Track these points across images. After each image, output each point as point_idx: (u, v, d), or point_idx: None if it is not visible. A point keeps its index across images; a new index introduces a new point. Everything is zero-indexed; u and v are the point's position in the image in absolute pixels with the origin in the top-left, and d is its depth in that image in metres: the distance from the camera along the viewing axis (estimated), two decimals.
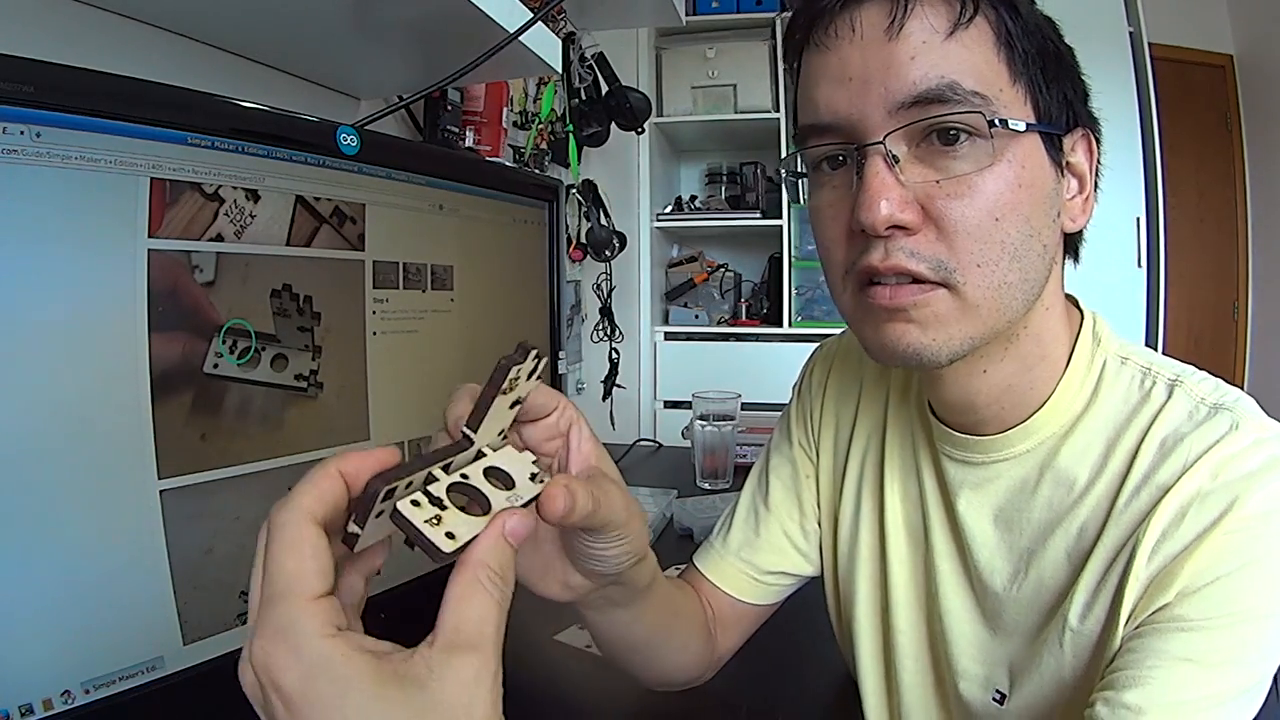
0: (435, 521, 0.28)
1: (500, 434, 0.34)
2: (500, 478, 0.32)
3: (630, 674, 0.55)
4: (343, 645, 0.25)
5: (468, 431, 0.32)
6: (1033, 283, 0.43)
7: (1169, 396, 0.45)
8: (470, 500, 0.30)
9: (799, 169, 0.48)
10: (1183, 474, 0.41)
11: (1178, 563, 0.39)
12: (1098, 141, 0.47)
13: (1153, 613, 0.40)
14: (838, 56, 0.42)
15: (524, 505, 0.31)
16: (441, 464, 0.30)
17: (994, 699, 0.49)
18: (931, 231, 0.41)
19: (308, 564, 0.26)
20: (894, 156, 0.41)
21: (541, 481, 0.33)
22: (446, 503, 0.29)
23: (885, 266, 0.41)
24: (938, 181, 0.41)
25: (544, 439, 0.39)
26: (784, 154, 2.09)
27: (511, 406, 0.34)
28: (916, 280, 0.41)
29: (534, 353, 0.32)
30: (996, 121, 0.40)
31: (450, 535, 0.28)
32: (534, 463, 0.34)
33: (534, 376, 0.34)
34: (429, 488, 0.29)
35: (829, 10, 0.43)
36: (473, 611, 0.27)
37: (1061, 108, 0.44)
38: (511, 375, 0.31)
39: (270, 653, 0.24)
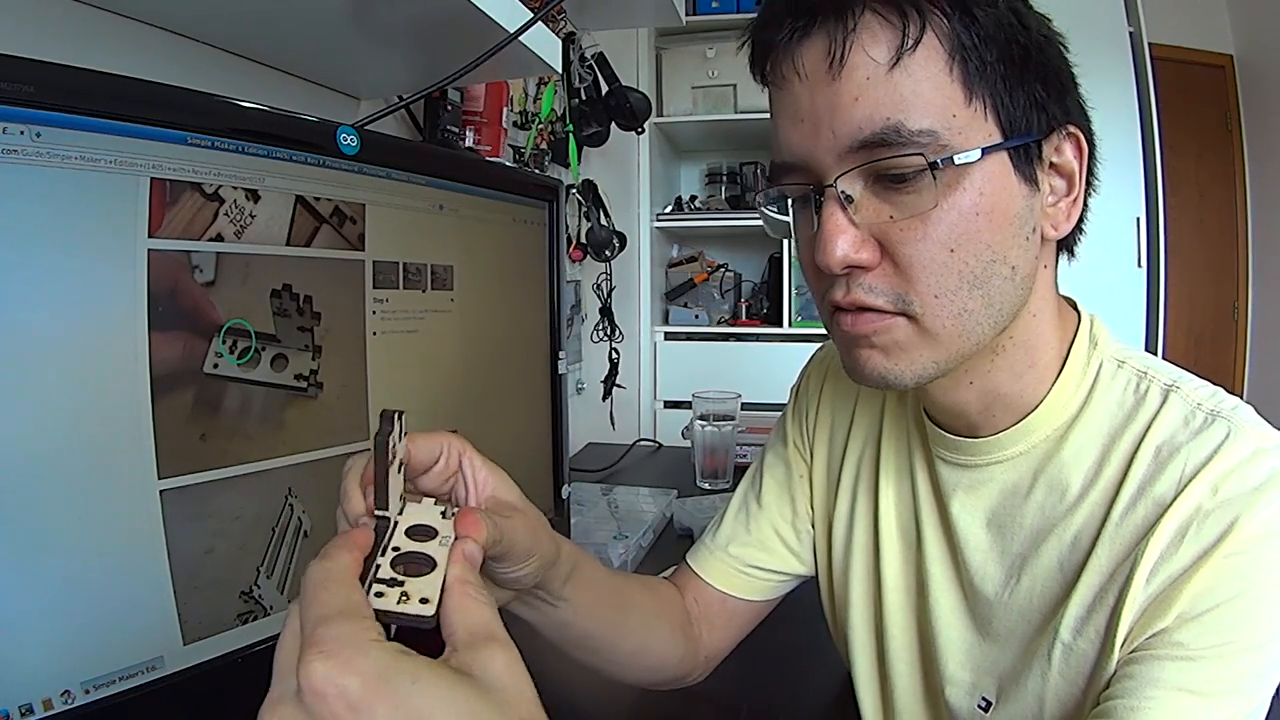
0: (405, 599, 0.29)
1: (400, 497, 0.36)
2: (422, 532, 0.34)
3: (599, 671, 0.55)
4: (399, 648, 0.26)
5: (382, 513, 0.34)
6: (999, 306, 0.43)
7: (1164, 401, 0.44)
8: (415, 564, 0.32)
9: (777, 196, 0.48)
10: (1181, 490, 0.40)
11: (1176, 586, 0.39)
12: (1089, 135, 0.45)
13: (1150, 636, 0.39)
14: (790, 96, 0.42)
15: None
16: (380, 552, 0.32)
17: (979, 706, 0.49)
18: (889, 266, 0.41)
19: (358, 597, 0.28)
20: (848, 196, 0.41)
21: (452, 515, 0.36)
22: (399, 578, 0.31)
23: (846, 302, 0.42)
24: (892, 218, 0.41)
25: (439, 483, 0.40)
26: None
27: (399, 470, 0.36)
28: (877, 311, 0.42)
29: (397, 415, 0.34)
30: (939, 162, 0.39)
31: (424, 600, 0.30)
32: (436, 504, 0.37)
33: (404, 436, 0.36)
34: (379, 575, 0.31)
35: (774, 49, 0.43)
36: (475, 614, 0.29)
37: (1033, 112, 0.41)
38: (391, 445, 0.33)
39: (333, 660, 0.25)
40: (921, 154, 0.39)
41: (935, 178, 0.39)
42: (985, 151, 0.40)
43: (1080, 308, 0.51)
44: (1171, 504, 0.40)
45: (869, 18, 0.39)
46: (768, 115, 0.47)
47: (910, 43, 0.39)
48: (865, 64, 0.39)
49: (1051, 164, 0.44)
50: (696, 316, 2.24)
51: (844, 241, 0.40)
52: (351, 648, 0.25)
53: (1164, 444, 0.42)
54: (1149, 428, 0.43)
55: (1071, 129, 0.44)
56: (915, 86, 0.39)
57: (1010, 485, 0.48)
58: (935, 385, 0.47)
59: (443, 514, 0.36)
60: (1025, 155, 0.42)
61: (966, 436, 0.50)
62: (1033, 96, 0.41)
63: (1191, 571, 0.39)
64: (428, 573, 0.31)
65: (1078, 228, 0.46)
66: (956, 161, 0.39)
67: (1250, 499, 0.38)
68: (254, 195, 0.47)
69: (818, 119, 0.41)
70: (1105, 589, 0.42)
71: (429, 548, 0.33)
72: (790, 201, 0.47)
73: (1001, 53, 0.40)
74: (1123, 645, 0.40)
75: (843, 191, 0.41)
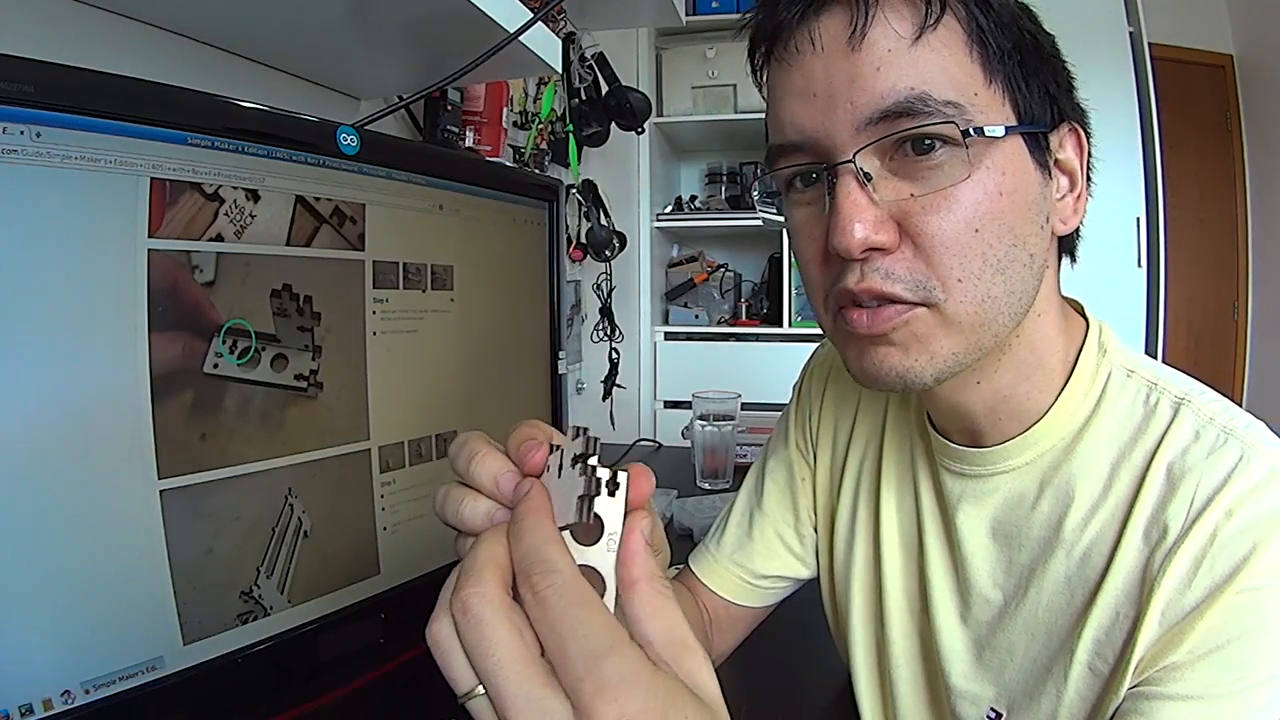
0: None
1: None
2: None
3: None
4: (674, 679, 0.26)
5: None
6: (1019, 295, 0.41)
7: (1174, 415, 0.43)
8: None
9: (773, 189, 0.46)
10: (1197, 517, 0.39)
11: (1190, 620, 0.38)
12: (1087, 134, 0.45)
13: (1160, 669, 0.39)
14: (800, 72, 0.40)
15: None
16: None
17: (989, 717, 0.48)
18: (909, 249, 0.39)
19: (606, 614, 0.26)
20: (866, 174, 0.39)
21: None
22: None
23: (861, 289, 0.40)
24: (913, 195, 0.39)
25: None
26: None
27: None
28: (895, 301, 0.40)
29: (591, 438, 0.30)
30: (971, 130, 0.38)
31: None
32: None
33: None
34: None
35: (787, 23, 0.41)
36: (670, 618, 0.27)
37: (1044, 103, 0.42)
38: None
39: (624, 703, 0.24)
40: (954, 121, 0.38)
41: (967, 148, 0.38)
42: (1008, 130, 0.39)
43: (1088, 314, 0.50)
44: (1188, 532, 0.39)
45: None
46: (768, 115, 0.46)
47: (932, 19, 0.38)
48: (888, 36, 0.38)
49: (1056, 160, 0.43)
50: (696, 316, 2.24)
51: (864, 221, 0.38)
52: (642, 686, 0.24)
53: (1175, 462, 0.41)
54: (1160, 444, 0.42)
55: (1075, 125, 0.44)
56: (939, 61, 0.38)
57: (1016, 495, 0.47)
58: (943, 385, 0.45)
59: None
60: (1037, 143, 0.41)
61: (971, 446, 0.49)
62: (1044, 88, 0.42)
63: (1205, 607, 0.38)
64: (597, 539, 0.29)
65: (1076, 231, 0.46)
66: (986, 133, 0.38)
67: (1268, 527, 0.38)
68: (254, 195, 0.47)
69: (834, 92, 0.39)
70: (1121, 613, 0.41)
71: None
72: (787, 191, 0.44)
73: (1016, 42, 0.40)
74: (1134, 672, 0.40)
75: (861, 168, 0.39)
